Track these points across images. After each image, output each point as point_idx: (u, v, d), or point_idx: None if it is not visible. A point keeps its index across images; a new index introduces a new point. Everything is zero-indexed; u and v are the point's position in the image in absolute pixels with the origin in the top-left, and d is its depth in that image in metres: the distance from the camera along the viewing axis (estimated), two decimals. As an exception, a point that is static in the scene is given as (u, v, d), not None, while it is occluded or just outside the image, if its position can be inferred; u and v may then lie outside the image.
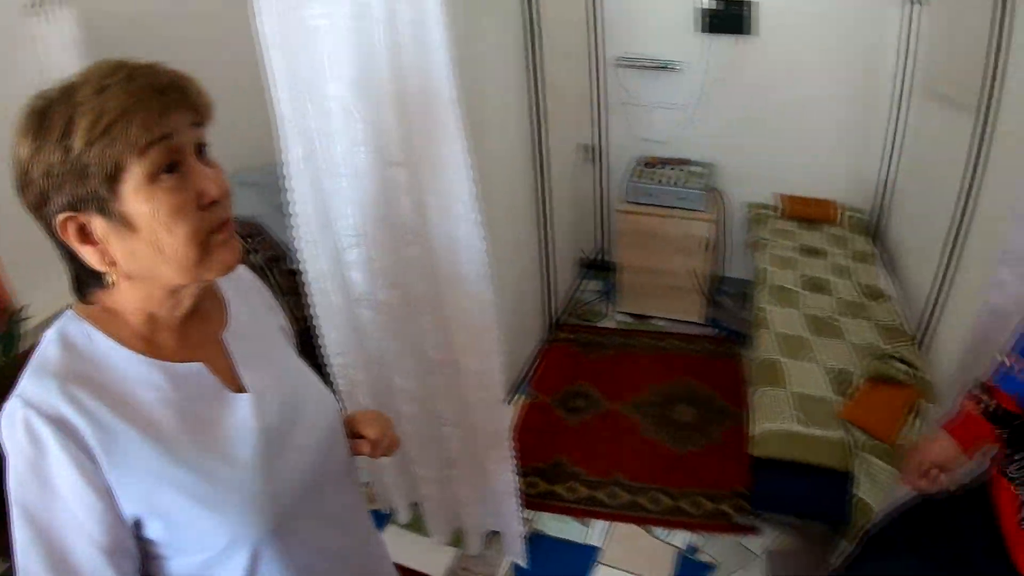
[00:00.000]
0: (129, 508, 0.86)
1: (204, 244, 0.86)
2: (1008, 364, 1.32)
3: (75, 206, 0.80)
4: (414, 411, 2.18)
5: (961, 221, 2.42)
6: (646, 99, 3.85)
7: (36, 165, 0.79)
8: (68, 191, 0.79)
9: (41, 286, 2.60)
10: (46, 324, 0.92)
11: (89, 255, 0.84)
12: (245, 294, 1.13)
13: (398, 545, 2.56)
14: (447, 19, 1.59)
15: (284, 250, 3.07)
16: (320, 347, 2.22)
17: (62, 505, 0.83)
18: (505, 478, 2.20)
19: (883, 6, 3.27)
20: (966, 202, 2.39)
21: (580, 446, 2.98)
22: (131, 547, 0.88)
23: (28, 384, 0.84)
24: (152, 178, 0.80)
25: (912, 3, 3.17)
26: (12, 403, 0.83)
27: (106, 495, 0.84)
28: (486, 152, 2.55)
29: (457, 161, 1.74)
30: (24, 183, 0.81)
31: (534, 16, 2.90)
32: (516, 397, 3.26)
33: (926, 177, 3.05)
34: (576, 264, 4.31)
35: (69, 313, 0.91)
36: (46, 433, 0.81)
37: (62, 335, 0.88)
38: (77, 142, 0.77)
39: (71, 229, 0.82)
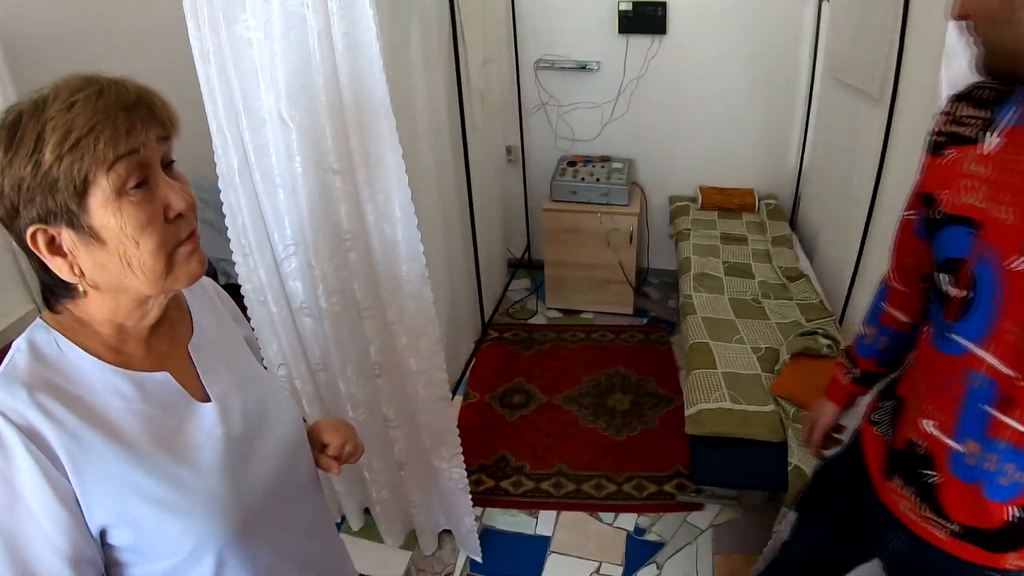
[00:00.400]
0: (95, 516, 0.87)
1: (170, 256, 0.88)
2: (864, 333, 1.46)
3: (45, 219, 0.82)
4: (361, 416, 2.19)
5: (872, 202, 2.58)
6: (566, 100, 3.94)
7: (7, 178, 0.80)
8: (38, 204, 0.80)
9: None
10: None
11: (59, 266, 0.85)
12: (211, 305, 1.15)
13: (352, 553, 2.51)
14: (379, 30, 1.62)
15: (214, 266, 3.03)
16: (262, 359, 2.21)
17: (27, 512, 0.84)
18: (455, 474, 2.22)
19: (794, 2, 3.44)
20: (876, 184, 2.54)
21: (522, 441, 3.03)
22: (95, 557, 0.89)
23: None
24: (120, 192, 0.82)
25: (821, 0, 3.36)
26: None
27: (72, 504, 0.85)
28: (416, 158, 2.59)
29: (393, 166, 1.77)
30: None
31: (458, 23, 2.95)
32: (454, 397, 3.30)
33: (836, 163, 3.22)
34: (505, 264, 4.37)
35: (38, 322, 0.92)
36: (14, 440, 0.82)
37: (31, 344, 0.89)
38: (47, 156, 0.78)
39: (41, 241, 0.83)
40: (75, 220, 0.82)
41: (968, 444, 1.10)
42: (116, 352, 0.93)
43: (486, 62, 3.35)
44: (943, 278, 1.11)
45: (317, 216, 1.88)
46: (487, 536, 2.55)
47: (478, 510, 2.64)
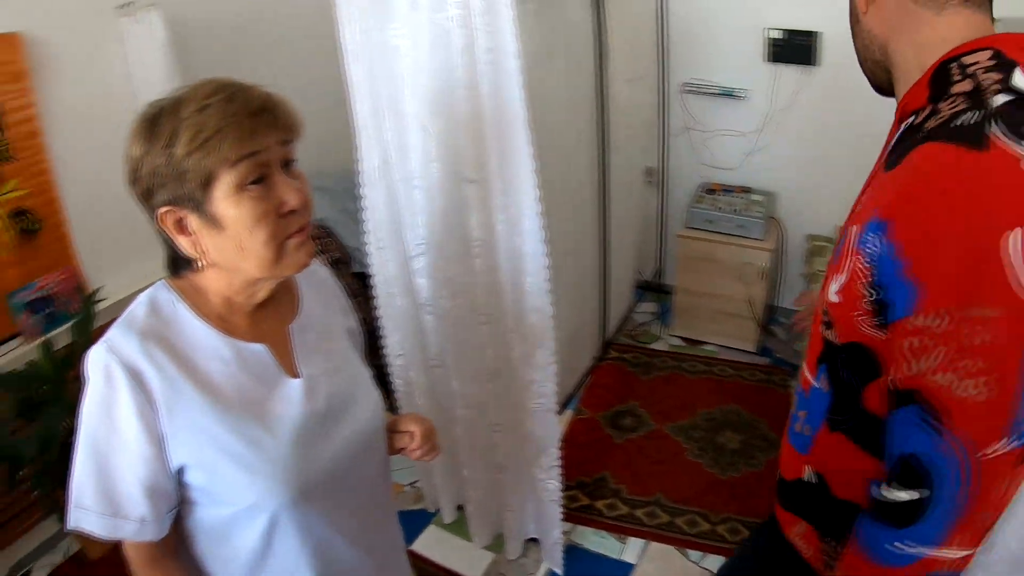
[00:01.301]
0: (177, 455, 1.00)
1: (280, 247, 0.99)
2: None
3: (175, 202, 0.95)
4: (468, 416, 2.26)
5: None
6: (710, 125, 3.87)
7: (145, 164, 0.94)
8: (169, 189, 0.94)
9: (111, 272, 2.98)
10: (118, 306, 1.06)
11: (183, 243, 0.99)
12: (320, 292, 1.26)
13: (439, 545, 2.65)
14: (521, 48, 1.68)
15: (349, 254, 3.19)
16: (382, 348, 2.32)
17: (120, 441, 0.98)
18: (550, 486, 2.25)
19: None
20: None
21: (624, 464, 3.02)
22: (170, 491, 1.03)
23: (115, 334, 1.00)
24: (240, 187, 0.93)
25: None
26: (99, 347, 0.99)
27: (158, 443, 0.99)
28: (552, 172, 2.62)
29: (526, 181, 1.82)
30: (135, 178, 0.96)
31: (603, 42, 2.98)
32: (565, 411, 3.32)
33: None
34: (633, 285, 4.35)
35: (162, 282, 1.07)
36: (120, 378, 0.97)
37: (152, 299, 1.04)
38: (179, 150, 0.91)
39: (170, 221, 0.97)
40: (200, 207, 0.95)
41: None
42: (223, 321, 1.06)
43: (631, 80, 3.35)
44: None
45: (449, 221, 1.96)
46: (572, 552, 2.56)
47: (568, 525, 2.65)
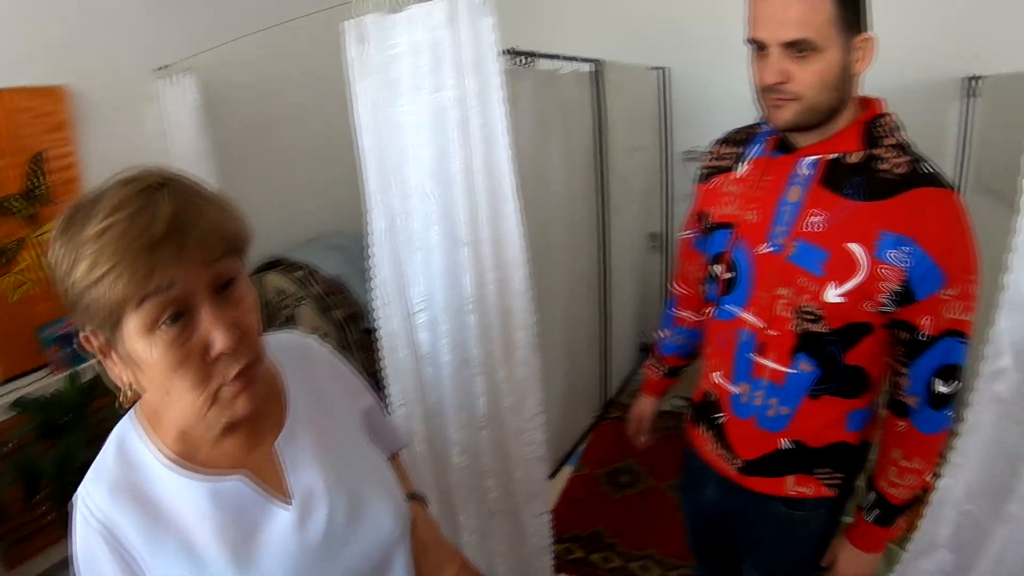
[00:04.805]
0: None
1: (212, 396, 0.85)
2: (663, 336, 1.92)
3: (91, 328, 0.84)
4: (463, 462, 2.37)
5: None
6: (713, 193, 4.02)
7: (56, 280, 0.82)
8: (81, 316, 0.82)
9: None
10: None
11: (110, 367, 0.87)
12: (314, 382, 1.10)
13: None
14: (513, 123, 1.89)
15: (362, 310, 3.36)
16: (386, 398, 2.47)
17: None
18: (540, 533, 2.37)
19: (939, 101, 3.43)
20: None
21: (620, 520, 3.11)
22: None
23: (88, 487, 0.91)
24: (150, 328, 0.79)
25: (969, 96, 3.34)
26: (77, 496, 0.91)
27: None
28: (551, 235, 2.80)
29: (514, 244, 2.00)
30: (58, 290, 0.83)
31: (602, 115, 3.20)
32: (564, 467, 3.43)
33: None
34: (637, 347, 4.48)
35: (130, 413, 0.95)
36: (95, 535, 0.88)
37: (120, 441, 0.94)
38: (79, 282, 0.78)
39: (95, 343, 0.85)
40: (113, 343, 0.83)
41: (741, 386, 1.46)
42: (186, 455, 0.92)
43: (631, 150, 3.54)
44: (715, 268, 1.49)
45: (446, 279, 2.12)
46: (565, 602, 2.64)
47: None
